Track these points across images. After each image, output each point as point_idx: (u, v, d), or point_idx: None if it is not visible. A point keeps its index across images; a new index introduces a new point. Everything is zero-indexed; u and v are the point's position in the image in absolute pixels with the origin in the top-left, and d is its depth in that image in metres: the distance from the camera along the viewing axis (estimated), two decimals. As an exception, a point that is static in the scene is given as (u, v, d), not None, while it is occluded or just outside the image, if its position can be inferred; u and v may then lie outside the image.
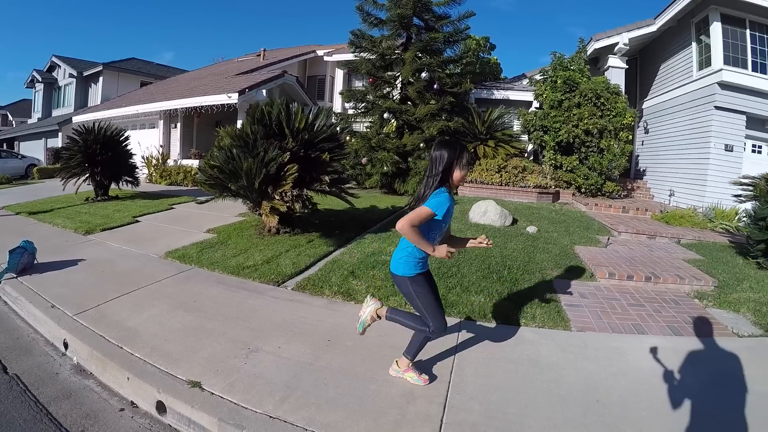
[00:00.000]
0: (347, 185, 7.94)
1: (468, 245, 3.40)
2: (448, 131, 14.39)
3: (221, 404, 2.97)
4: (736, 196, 8.62)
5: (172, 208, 9.98)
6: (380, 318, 3.45)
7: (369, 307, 3.47)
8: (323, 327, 4.23)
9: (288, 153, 6.51)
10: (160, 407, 3.11)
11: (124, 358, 3.53)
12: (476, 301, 4.97)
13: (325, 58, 22.52)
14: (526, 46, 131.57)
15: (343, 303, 4.91)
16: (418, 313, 3.32)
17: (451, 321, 4.33)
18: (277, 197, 6.60)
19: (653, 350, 4.12)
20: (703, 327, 4.81)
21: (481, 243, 3.29)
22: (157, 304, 4.60)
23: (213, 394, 3.08)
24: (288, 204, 6.67)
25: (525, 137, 16.05)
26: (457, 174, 3.09)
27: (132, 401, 3.29)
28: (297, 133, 6.79)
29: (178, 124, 19.38)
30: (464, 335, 4.15)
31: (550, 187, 13.73)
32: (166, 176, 16.43)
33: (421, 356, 3.52)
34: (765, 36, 13.74)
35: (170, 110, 18.50)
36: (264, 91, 16.53)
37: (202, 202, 10.61)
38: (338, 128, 7.71)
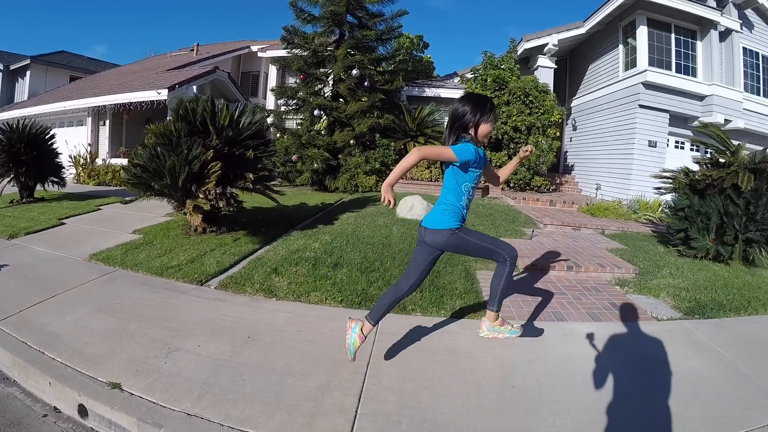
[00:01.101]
0: (273, 182, 7.99)
1: (515, 164, 3.81)
2: (379, 128, 14.65)
3: (140, 404, 3.01)
4: (657, 188, 9.13)
5: (99, 209, 9.77)
6: (366, 335, 3.48)
7: (351, 331, 3.47)
8: (243, 324, 4.31)
9: (212, 150, 6.51)
10: (82, 410, 3.13)
11: (46, 363, 3.52)
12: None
13: (259, 54, 22.31)
14: (461, 45, 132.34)
15: (265, 300, 4.99)
16: (482, 256, 3.42)
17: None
18: (200, 195, 6.60)
19: (572, 336, 4.29)
20: (623, 312, 5.02)
21: (526, 152, 3.61)
22: (79, 307, 4.58)
23: (132, 394, 3.11)
24: (212, 202, 6.68)
25: (455, 134, 16.29)
26: (482, 129, 3.21)
27: (55, 406, 3.29)
28: (221, 130, 6.79)
29: (107, 122, 18.77)
30: (383, 327, 4.20)
31: (480, 182, 14.06)
32: (94, 176, 15.90)
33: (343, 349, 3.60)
34: (689, 40, 14.72)
35: (99, 107, 17.90)
36: (195, 87, 16.30)
37: (127, 202, 10.46)
38: (265, 125, 7.74)
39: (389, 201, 3.05)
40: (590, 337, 4.27)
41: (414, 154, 3.01)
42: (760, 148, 9.05)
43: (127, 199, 10.77)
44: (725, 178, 7.28)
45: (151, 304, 4.75)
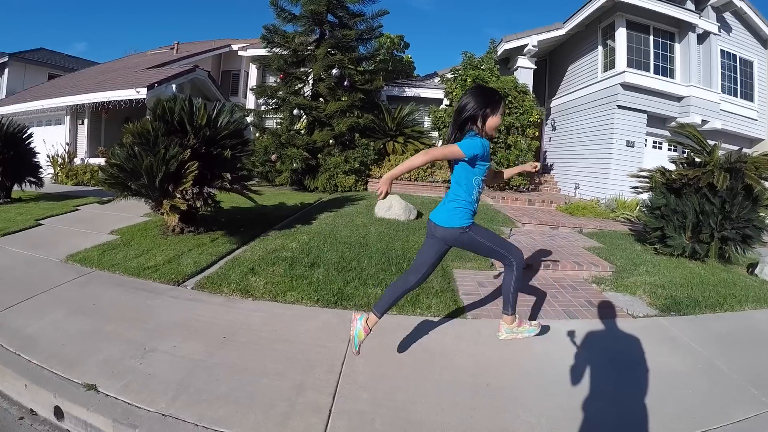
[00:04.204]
0: (251, 182, 7.99)
1: (518, 169, 4.01)
2: (358, 128, 14.69)
3: (116, 405, 3.01)
4: (634, 188, 9.21)
5: (77, 209, 9.68)
6: (371, 328, 3.53)
7: (357, 322, 3.52)
8: (219, 324, 4.31)
9: (189, 150, 6.51)
10: (58, 412, 3.12)
11: (22, 365, 3.50)
12: (373, 293, 5.12)
13: (240, 53, 22.20)
14: (441, 46, 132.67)
15: (241, 300, 4.99)
16: (489, 256, 3.44)
17: (346, 314, 4.52)
18: (178, 195, 6.58)
19: (547, 334, 4.29)
20: (599, 310, 5.09)
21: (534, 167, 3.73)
22: (56, 309, 4.56)
23: (108, 395, 3.11)
24: (189, 202, 6.66)
25: (435, 134, 16.49)
26: (491, 121, 3.24)
27: (31, 409, 3.28)
28: (199, 129, 6.78)
29: (86, 121, 18.61)
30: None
31: (538, 167, 14.17)
32: (72, 176, 15.72)
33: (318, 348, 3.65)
34: (667, 42, 14.92)
35: (77, 105, 17.78)
36: (174, 86, 16.25)
37: (105, 202, 10.37)
38: (243, 125, 7.74)
39: (384, 192, 3.08)
40: (566, 334, 4.32)
41: (422, 156, 3.05)
42: (736, 148, 9.22)
43: (105, 199, 10.68)
44: (701, 177, 7.40)
45: (127, 305, 4.74)
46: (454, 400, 3.19)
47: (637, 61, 14.52)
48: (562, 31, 16.66)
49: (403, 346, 3.99)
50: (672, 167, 8.33)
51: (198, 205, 6.83)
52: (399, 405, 3.11)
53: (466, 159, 3.17)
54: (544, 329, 4.33)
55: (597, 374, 3.58)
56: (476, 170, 3.29)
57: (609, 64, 15.08)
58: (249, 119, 15.66)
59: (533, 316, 4.84)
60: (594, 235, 9.18)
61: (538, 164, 3.87)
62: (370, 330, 3.53)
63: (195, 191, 6.76)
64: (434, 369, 3.63)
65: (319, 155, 14.47)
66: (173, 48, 25.26)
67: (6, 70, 26.93)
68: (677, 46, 15.04)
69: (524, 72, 17.33)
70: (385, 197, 3.12)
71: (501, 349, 3.99)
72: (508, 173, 4.11)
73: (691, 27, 14.48)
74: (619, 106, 14.21)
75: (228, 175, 6.97)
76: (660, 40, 14.96)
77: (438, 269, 5.98)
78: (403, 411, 3.05)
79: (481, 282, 5.82)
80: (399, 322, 4.47)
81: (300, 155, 13.98)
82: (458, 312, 4.82)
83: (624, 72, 14.05)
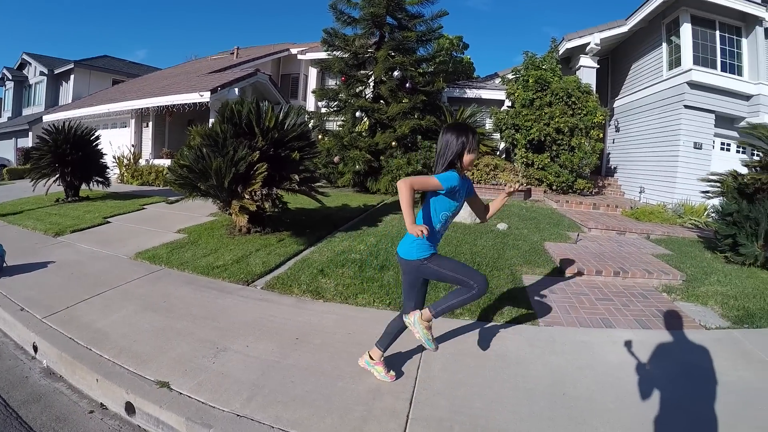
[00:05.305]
0: (318, 184, 7.97)
1: (503, 199, 3.55)
2: (420, 129, 14.54)
3: (189, 404, 2.98)
4: (704, 192, 8.81)
5: (143, 208, 9.91)
6: (430, 323, 3.32)
7: (416, 326, 3.30)
8: (291, 325, 4.26)
9: (257, 152, 6.53)
10: (129, 408, 3.12)
11: (94, 359, 3.52)
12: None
13: (299, 57, 22.47)
14: (500, 46, 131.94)
15: (312, 301, 4.94)
16: (455, 284, 3.30)
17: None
18: (246, 196, 6.60)
19: (621, 343, 4.17)
20: (671, 320, 4.88)
21: (511, 189, 3.43)
22: (126, 305, 4.60)
23: (181, 393, 3.09)
24: (257, 203, 6.67)
25: (497, 136, 16.21)
26: (466, 158, 3.12)
27: (101, 403, 3.28)
28: (267, 131, 6.79)
29: (150, 123, 19.16)
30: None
31: (522, 184, 13.85)
32: (137, 176, 16.23)
33: (389, 352, 3.53)
34: (734, 37, 14.15)
35: (142, 109, 18.28)
36: (236, 89, 16.46)
37: (172, 202, 10.58)
38: (309, 127, 7.72)
39: (422, 231, 2.89)
40: (639, 344, 4.17)
41: (403, 187, 2.88)
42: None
43: (171, 199, 10.90)
44: (775, 182, 6.97)
45: (197, 303, 4.75)
46: (531, 409, 3.11)
47: (703, 58, 13.81)
48: (624, 28, 16.10)
49: (478, 354, 3.92)
50: (744, 171, 7.90)
51: (266, 206, 6.86)
52: (477, 413, 3.03)
53: (443, 191, 3.05)
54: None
55: (671, 386, 3.45)
56: (447, 205, 3.16)
57: (674, 61, 14.43)
58: (311, 122, 15.73)
59: (608, 324, 4.63)
60: (662, 241, 8.82)
61: (517, 185, 3.61)
62: (429, 324, 3.31)
63: (264, 192, 6.77)
64: (510, 377, 3.53)
65: (381, 157, 14.41)
66: (233, 53, 25.71)
67: (72, 77, 28.17)
68: (744, 42, 14.24)
69: (587, 71, 16.85)
70: (427, 233, 2.88)
71: (577, 357, 3.91)
72: (493, 207, 3.83)
73: (757, 21, 13.61)
74: (686, 106, 13.53)
75: (296, 177, 6.97)
76: (726, 35, 14.17)
77: (508, 275, 5.85)
78: (482, 419, 2.96)
79: (552, 288, 5.66)
80: (473, 329, 4.38)
81: (362, 157, 13.94)
82: (530, 317, 4.71)
83: (690, 70, 13.37)
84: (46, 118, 21.79)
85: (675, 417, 3.07)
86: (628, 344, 4.17)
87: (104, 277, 5.43)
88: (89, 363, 3.48)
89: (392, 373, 3.43)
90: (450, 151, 3.11)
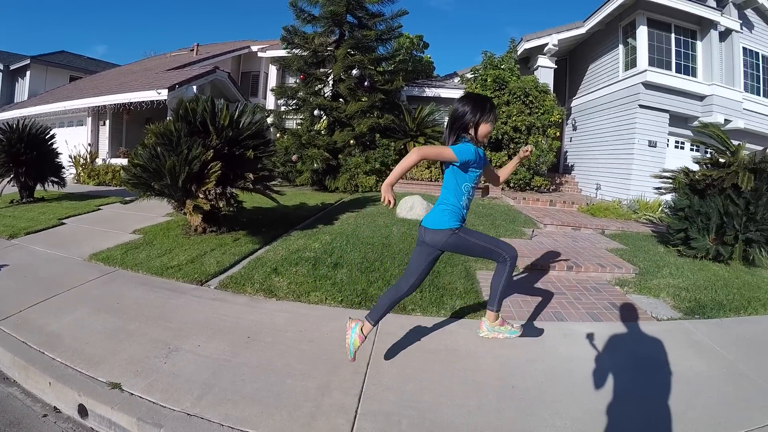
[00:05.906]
0: (275, 182, 8.00)
1: (514, 164, 3.80)
2: (379, 128, 14.69)
3: (140, 404, 3.01)
4: (657, 189, 9.12)
5: (99, 209, 9.77)
6: (366, 335, 3.47)
7: (352, 331, 3.47)
8: (243, 324, 4.30)
9: (212, 150, 6.51)
10: (82, 410, 3.13)
11: (46, 363, 3.51)
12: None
13: (259, 54, 22.32)
14: (461, 45, 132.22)
15: (265, 300, 4.98)
16: (481, 256, 3.41)
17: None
18: (200, 195, 6.59)
19: (572, 336, 4.28)
20: (623, 312, 5.01)
21: (526, 153, 3.62)
22: (79, 307, 4.57)
23: (132, 394, 3.11)
24: (212, 202, 6.67)
25: (455, 134, 16.29)
26: (483, 129, 3.21)
27: (55, 406, 3.29)
28: (221, 130, 6.80)
29: (107, 122, 18.78)
30: (383, 327, 4.18)
31: (480, 182, 14.05)
32: (94, 176, 15.87)
33: (343, 349, 3.60)
34: (689, 40, 14.70)
35: (99, 107, 17.91)
36: (195, 87, 16.30)
37: (128, 202, 10.45)
38: (265, 125, 7.74)
39: (389, 201, 3.04)
40: (590, 337, 4.26)
41: (414, 154, 3.00)
42: (761, 148, 9.06)
43: (127, 199, 10.77)
44: (725, 178, 7.27)
45: (151, 304, 4.75)
46: (480, 402, 3.16)
47: (658, 59, 14.32)
48: (582, 30, 16.54)
49: (428, 348, 3.95)
50: (696, 168, 8.18)
51: (221, 205, 6.83)
52: (425, 407, 3.08)
53: (458, 163, 3.15)
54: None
55: (622, 377, 3.54)
56: (467, 176, 3.27)
57: (630, 63, 14.90)
58: (269, 120, 15.69)
59: (560, 318, 4.79)
60: (616, 236, 9.08)
61: (531, 147, 3.79)
62: (365, 337, 3.48)
63: (218, 191, 6.77)
64: (459, 371, 3.58)
65: (339, 156, 14.47)
66: (193, 50, 25.40)
67: (27, 73, 27.30)
68: (699, 45, 14.81)
69: (544, 71, 17.23)
70: (392, 205, 3.07)
71: (526, 351, 3.96)
72: (504, 173, 4.03)
73: (712, 24, 14.22)
74: (641, 106, 14.02)
75: (251, 176, 6.97)
76: (681, 38, 14.73)
77: (461, 271, 5.95)
78: (430, 412, 3.02)
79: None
80: (423, 323, 4.44)
81: (321, 155, 13.98)
82: (482, 313, 4.66)
83: (645, 71, 13.86)
84: (1, 116, 21.23)
85: (625, 406, 3.17)
86: (579, 336, 4.28)
87: (58, 279, 5.38)
88: (42, 367, 3.47)
89: (519, 324, 3.66)
90: (465, 120, 3.19)
